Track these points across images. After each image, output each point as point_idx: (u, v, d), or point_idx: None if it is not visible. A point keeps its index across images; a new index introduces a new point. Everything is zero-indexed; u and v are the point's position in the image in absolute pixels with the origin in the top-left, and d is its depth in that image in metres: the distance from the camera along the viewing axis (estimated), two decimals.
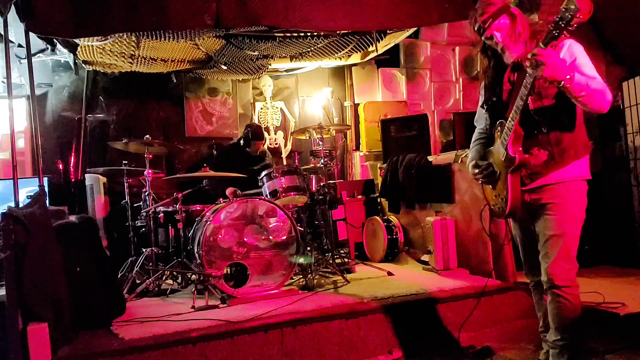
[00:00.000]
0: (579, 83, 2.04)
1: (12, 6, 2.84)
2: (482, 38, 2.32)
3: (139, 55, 4.47)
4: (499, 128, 2.31)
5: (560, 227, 2.24)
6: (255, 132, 4.90)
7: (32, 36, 3.15)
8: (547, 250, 2.26)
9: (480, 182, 2.45)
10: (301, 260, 3.71)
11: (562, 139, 2.22)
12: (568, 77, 2.02)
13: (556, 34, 1.98)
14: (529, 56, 2.05)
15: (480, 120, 2.55)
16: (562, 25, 1.95)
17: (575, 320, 2.27)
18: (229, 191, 4.21)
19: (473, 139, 2.58)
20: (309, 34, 4.48)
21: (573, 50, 2.17)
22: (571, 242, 2.25)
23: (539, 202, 2.29)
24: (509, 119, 2.22)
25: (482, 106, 2.49)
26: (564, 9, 1.93)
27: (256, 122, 5.76)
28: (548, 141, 2.22)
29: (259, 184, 4.08)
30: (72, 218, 3.20)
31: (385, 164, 5.01)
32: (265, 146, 5.60)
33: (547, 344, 2.44)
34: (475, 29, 2.30)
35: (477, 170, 2.41)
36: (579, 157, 2.25)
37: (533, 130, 2.23)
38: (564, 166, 2.24)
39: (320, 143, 4.32)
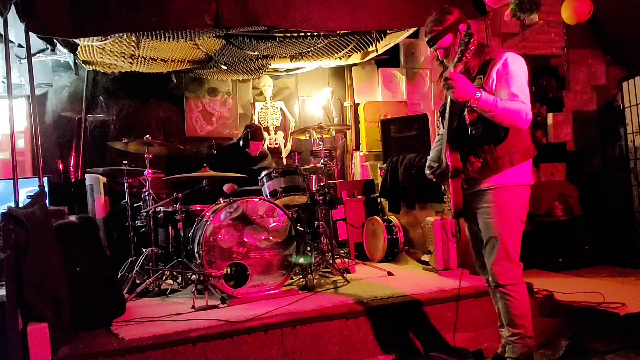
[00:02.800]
0: (487, 103, 2.25)
1: (12, 6, 2.84)
2: (430, 49, 2.55)
3: (139, 55, 4.47)
4: (441, 137, 2.56)
5: (496, 230, 2.41)
6: (254, 133, 4.89)
7: (32, 36, 3.15)
8: (489, 252, 2.46)
9: (434, 180, 2.66)
10: (301, 260, 3.71)
11: (496, 148, 2.38)
12: (476, 96, 2.25)
13: (460, 57, 2.29)
14: (442, 79, 2.31)
15: (439, 125, 2.75)
16: (463, 48, 2.28)
17: (523, 316, 2.45)
18: (227, 187, 4.21)
19: (435, 141, 2.77)
20: (309, 34, 4.47)
21: (506, 66, 2.34)
22: (509, 243, 2.40)
23: (477, 206, 2.47)
24: (446, 129, 2.46)
25: (439, 111, 2.69)
26: (464, 37, 2.29)
27: (256, 122, 5.76)
28: (482, 150, 2.40)
29: (259, 184, 4.08)
30: (72, 218, 3.20)
31: (385, 164, 5.01)
32: (265, 146, 5.60)
33: (503, 339, 2.63)
34: (426, 41, 2.53)
35: (429, 171, 2.65)
36: (513, 164, 2.39)
37: (469, 139, 2.40)
38: (497, 173, 2.39)
39: (320, 143, 4.32)
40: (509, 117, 2.27)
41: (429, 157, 2.71)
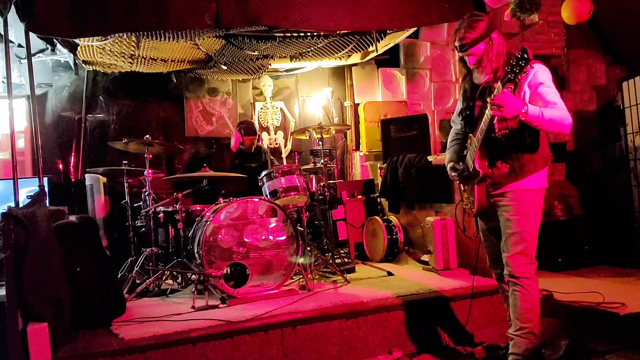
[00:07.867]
0: (534, 115, 2.36)
1: (12, 6, 2.84)
2: (459, 54, 2.58)
3: (139, 55, 4.47)
4: (469, 141, 2.66)
5: (516, 226, 2.53)
6: (247, 128, 4.88)
7: (32, 36, 3.15)
8: (508, 246, 2.55)
9: (457, 182, 2.79)
10: (301, 260, 3.71)
11: (523, 155, 2.52)
12: (523, 111, 2.34)
13: (511, 77, 2.29)
14: (489, 101, 2.36)
15: (456, 123, 2.83)
16: (517, 71, 2.27)
17: (532, 311, 2.52)
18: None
19: (450, 139, 2.87)
20: (309, 34, 4.47)
21: (538, 78, 2.46)
22: (528, 239, 2.52)
23: (499, 205, 2.59)
24: (476, 138, 2.55)
25: (459, 114, 2.78)
26: (519, 56, 2.25)
27: (256, 122, 5.75)
28: (510, 157, 2.53)
29: (259, 183, 4.08)
30: (72, 218, 3.20)
31: (385, 164, 5.01)
32: (265, 144, 5.60)
33: (509, 334, 2.65)
34: (455, 45, 2.55)
35: (454, 173, 2.74)
36: (537, 170, 2.54)
37: (498, 147, 2.53)
38: (522, 178, 2.53)
39: (320, 143, 4.32)
40: (555, 125, 2.40)
41: (448, 157, 2.81)
